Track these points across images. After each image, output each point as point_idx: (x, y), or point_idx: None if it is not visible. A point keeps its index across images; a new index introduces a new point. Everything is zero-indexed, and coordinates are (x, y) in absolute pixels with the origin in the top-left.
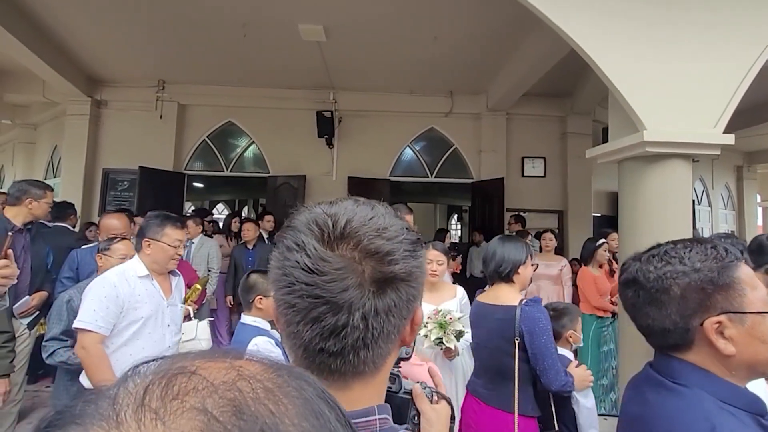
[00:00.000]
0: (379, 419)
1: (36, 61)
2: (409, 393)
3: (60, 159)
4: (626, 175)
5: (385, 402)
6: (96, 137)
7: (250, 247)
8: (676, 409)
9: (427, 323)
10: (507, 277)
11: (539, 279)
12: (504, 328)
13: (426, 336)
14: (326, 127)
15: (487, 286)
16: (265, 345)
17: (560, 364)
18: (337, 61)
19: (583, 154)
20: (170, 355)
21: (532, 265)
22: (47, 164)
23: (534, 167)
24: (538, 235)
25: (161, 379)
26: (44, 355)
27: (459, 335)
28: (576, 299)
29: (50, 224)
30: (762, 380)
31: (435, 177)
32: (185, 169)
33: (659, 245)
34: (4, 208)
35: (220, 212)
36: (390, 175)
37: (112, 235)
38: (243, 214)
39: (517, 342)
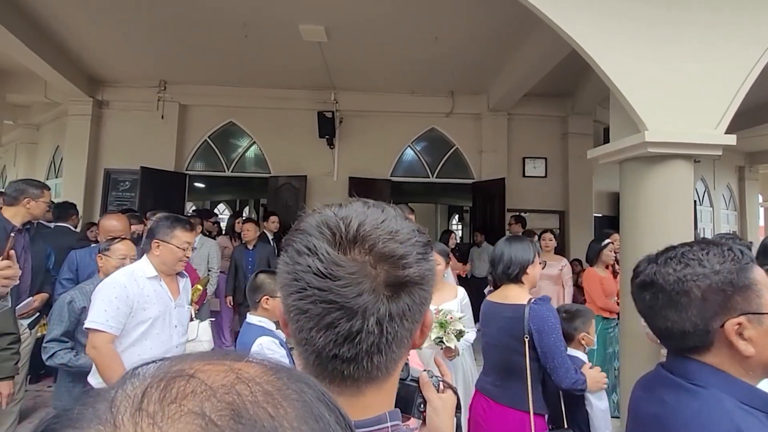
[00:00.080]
0: (391, 426)
1: (37, 61)
2: (416, 381)
3: (62, 159)
4: (627, 175)
5: None
6: (97, 137)
7: (250, 247)
8: (698, 410)
9: None
10: (516, 278)
11: (539, 279)
12: (513, 326)
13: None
14: (327, 127)
15: (488, 287)
16: (270, 345)
17: (570, 363)
18: (338, 61)
19: (584, 155)
20: (170, 357)
21: (540, 263)
22: (49, 164)
23: (535, 167)
24: (538, 236)
25: (159, 383)
26: (44, 357)
27: (459, 335)
28: (576, 299)
29: (52, 224)
30: (766, 380)
31: (436, 177)
32: (186, 170)
33: (674, 247)
34: (1, 208)
35: (221, 212)
36: (391, 176)
37: (112, 236)
38: (244, 215)
39: (526, 340)
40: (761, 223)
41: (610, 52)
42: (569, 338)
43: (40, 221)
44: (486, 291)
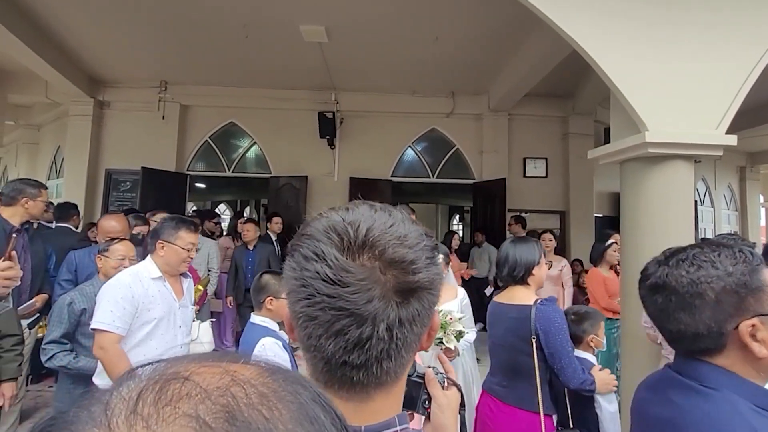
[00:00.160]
0: (400, 430)
1: (38, 61)
2: (421, 377)
3: (63, 159)
4: (628, 175)
5: None
6: (99, 138)
7: (250, 247)
8: (712, 412)
9: None
10: (522, 280)
11: None
12: (519, 327)
13: None
14: (328, 127)
15: (489, 287)
16: (273, 347)
17: (578, 363)
18: (339, 61)
19: (584, 155)
20: (166, 359)
21: (545, 264)
22: (50, 165)
23: (536, 168)
24: (538, 236)
25: (155, 385)
26: (43, 359)
27: (459, 336)
28: (576, 300)
29: (53, 225)
30: None
31: (436, 177)
32: (187, 170)
33: (684, 249)
34: None
35: (222, 213)
36: (392, 176)
37: (111, 237)
38: (245, 215)
39: (533, 341)
40: (762, 223)
41: (610, 52)
42: (578, 340)
43: (41, 222)
44: (487, 291)
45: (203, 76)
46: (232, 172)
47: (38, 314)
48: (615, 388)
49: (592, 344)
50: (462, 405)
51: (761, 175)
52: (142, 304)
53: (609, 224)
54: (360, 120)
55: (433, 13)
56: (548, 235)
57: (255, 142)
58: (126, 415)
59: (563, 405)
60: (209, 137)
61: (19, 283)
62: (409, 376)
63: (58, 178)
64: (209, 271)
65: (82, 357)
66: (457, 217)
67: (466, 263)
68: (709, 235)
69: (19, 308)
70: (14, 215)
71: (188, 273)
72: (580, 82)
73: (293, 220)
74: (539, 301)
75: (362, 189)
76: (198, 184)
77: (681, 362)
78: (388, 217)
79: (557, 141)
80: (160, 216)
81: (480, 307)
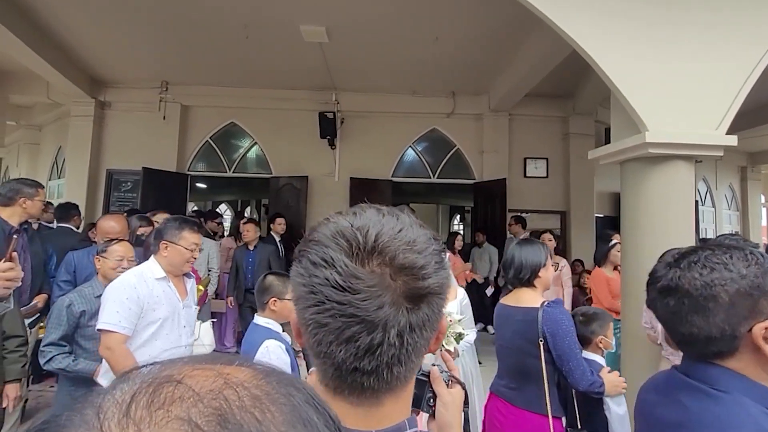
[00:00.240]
0: None
1: (39, 62)
2: (426, 375)
3: (64, 160)
4: (629, 176)
5: None
6: (100, 138)
7: (251, 248)
8: (723, 415)
9: None
10: (528, 282)
11: None
12: (526, 329)
13: None
14: (328, 127)
15: (489, 287)
16: (276, 350)
17: (586, 365)
18: (339, 61)
19: (585, 155)
20: (160, 361)
21: (552, 265)
22: (51, 165)
23: (536, 168)
24: (538, 236)
25: (147, 388)
26: (42, 361)
27: (458, 338)
28: (576, 300)
29: (54, 225)
30: None
31: (437, 178)
32: (188, 170)
33: (694, 251)
34: None
35: (223, 213)
36: (392, 176)
37: (110, 238)
38: (246, 215)
39: (541, 343)
40: (763, 223)
41: (610, 52)
42: (586, 341)
43: (42, 222)
44: (487, 291)
45: (204, 76)
46: (233, 172)
47: (38, 314)
48: (624, 391)
49: (601, 345)
50: (465, 402)
51: (762, 175)
52: (147, 304)
53: (609, 224)
54: (360, 120)
55: (433, 13)
56: (548, 235)
57: (255, 143)
58: (118, 418)
59: (572, 407)
60: (210, 137)
61: (20, 284)
62: None
63: (59, 178)
64: (209, 271)
65: (81, 359)
66: (458, 217)
67: (470, 264)
68: (710, 235)
69: (22, 309)
70: (13, 215)
71: (191, 273)
72: (581, 82)
73: (294, 220)
74: (546, 303)
75: (363, 189)
76: (199, 185)
77: (689, 364)
78: (396, 221)
79: (558, 141)
80: (160, 216)
81: (480, 306)
